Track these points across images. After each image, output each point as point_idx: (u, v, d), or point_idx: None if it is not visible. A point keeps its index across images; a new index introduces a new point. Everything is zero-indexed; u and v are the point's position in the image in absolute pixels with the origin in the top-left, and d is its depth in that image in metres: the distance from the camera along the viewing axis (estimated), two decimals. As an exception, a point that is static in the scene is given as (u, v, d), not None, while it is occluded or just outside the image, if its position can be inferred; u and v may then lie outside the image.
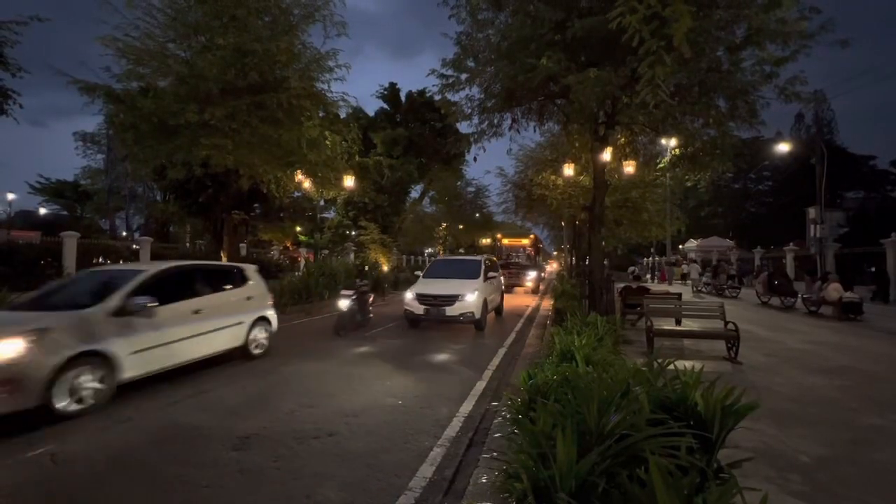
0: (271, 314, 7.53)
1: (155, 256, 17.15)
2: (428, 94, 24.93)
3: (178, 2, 8.85)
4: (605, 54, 6.63)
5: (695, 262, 28.57)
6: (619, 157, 10.01)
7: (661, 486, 1.72)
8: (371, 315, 10.02)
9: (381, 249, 23.94)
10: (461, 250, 34.09)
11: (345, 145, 11.19)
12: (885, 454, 3.71)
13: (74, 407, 4.42)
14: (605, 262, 10.64)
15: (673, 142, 9.88)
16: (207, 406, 4.87)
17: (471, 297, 9.42)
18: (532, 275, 22.66)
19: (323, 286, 14.15)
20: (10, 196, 36.68)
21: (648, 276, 34.72)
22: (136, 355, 5.08)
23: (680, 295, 9.91)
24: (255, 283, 7.41)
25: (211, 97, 8.50)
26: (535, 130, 9.92)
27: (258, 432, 4.09)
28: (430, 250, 38.63)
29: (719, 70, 6.96)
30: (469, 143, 9.14)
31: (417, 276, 11.80)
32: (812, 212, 27.02)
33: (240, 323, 6.73)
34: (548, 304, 14.40)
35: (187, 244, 26.97)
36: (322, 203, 25.69)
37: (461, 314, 9.32)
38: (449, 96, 8.58)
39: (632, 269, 36.10)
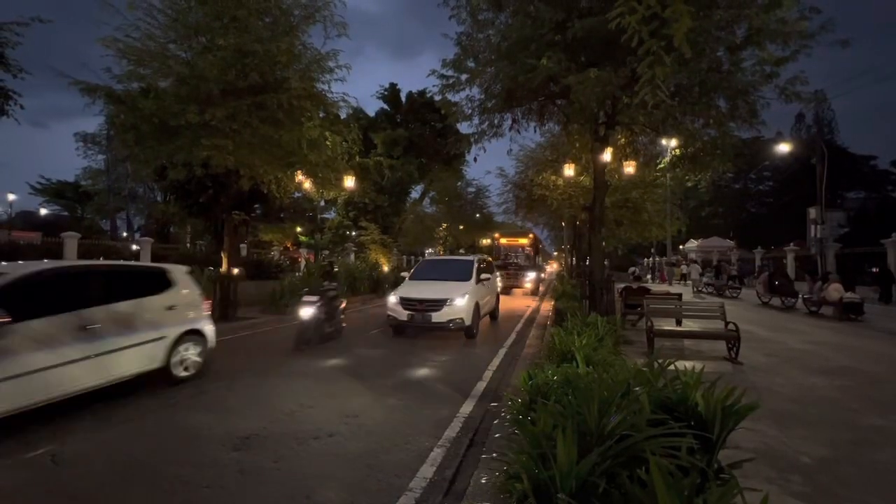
0: (206, 327, 6.20)
1: (155, 257, 17.15)
2: (428, 95, 24.96)
3: (179, 3, 8.86)
4: (606, 55, 6.63)
5: (695, 262, 28.60)
6: (620, 157, 10.01)
7: (661, 487, 1.72)
8: (343, 324, 8.94)
9: (382, 250, 23.95)
10: (461, 251, 34.05)
11: (345, 146, 11.18)
12: (886, 455, 3.70)
13: None
14: (606, 263, 10.61)
15: (673, 142, 9.88)
16: (208, 406, 4.87)
17: (460, 301, 8.66)
18: (531, 276, 21.91)
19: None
20: (11, 197, 36.79)
21: (649, 276, 34.71)
22: None
23: (680, 295, 9.91)
24: (183, 288, 6.02)
25: (211, 98, 8.51)
26: (535, 131, 9.91)
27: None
28: (430, 251, 38.59)
29: (719, 70, 6.95)
30: (469, 143, 9.12)
31: (403, 278, 10.96)
32: (812, 212, 27.01)
33: (158, 339, 5.41)
34: (547, 306, 14.10)
35: (188, 245, 27.00)
36: (322, 204, 25.67)
37: (449, 320, 8.52)
38: (449, 97, 8.58)
39: (632, 269, 36.14)
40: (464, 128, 9.74)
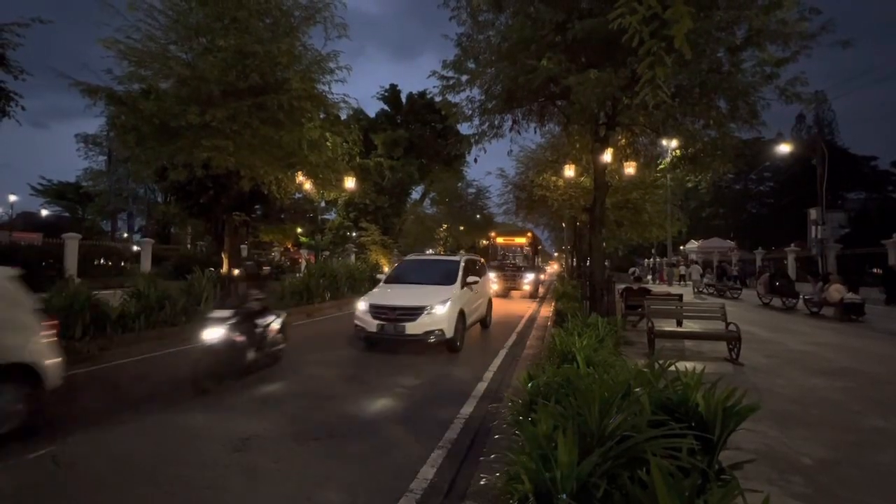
0: (44, 360, 4.24)
1: (156, 257, 17.20)
2: (428, 96, 25.04)
3: (180, 4, 8.87)
4: (606, 55, 6.63)
5: (696, 263, 28.61)
6: (620, 158, 10.01)
7: (662, 488, 1.72)
8: (280, 347, 6.67)
9: (382, 251, 23.98)
10: (462, 251, 34.07)
11: (346, 147, 11.19)
12: (887, 456, 3.70)
13: None
14: (606, 264, 10.62)
15: (673, 143, 9.88)
16: (209, 407, 4.87)
17: (440, 309, 7.47)
18: (530, 277, 20.35)
19: (324, 287, 14.19)
20: (12, 197, 36.88)
21: (650, 277, 34.72)
22: None
23: (681, 296, 9.91)
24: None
25: (212, 99, 8.52)
26: (535, 132, 9.90)
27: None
28: (430, 251, 38.67)
29: (720, 71, 6.95)
30: (470, 144, 9.10)
31: (378, 281, 9.61)
32: (813, 213, 27.03)
33: None
34: (547, 310, 13.43)
35: (188, 245, 27.04)
36: (323, 204, 25.73)
37: (427, 332, 7.32)
38: (449, 98, 8.58)
39: (632, 270, 36.16)
40: (464, 129, 9.66)
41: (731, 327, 7.18)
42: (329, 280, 14.68)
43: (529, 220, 23.03)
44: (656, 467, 1.78)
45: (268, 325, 6.46)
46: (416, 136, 26.21)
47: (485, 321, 10.34)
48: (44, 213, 40.50)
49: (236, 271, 11.13)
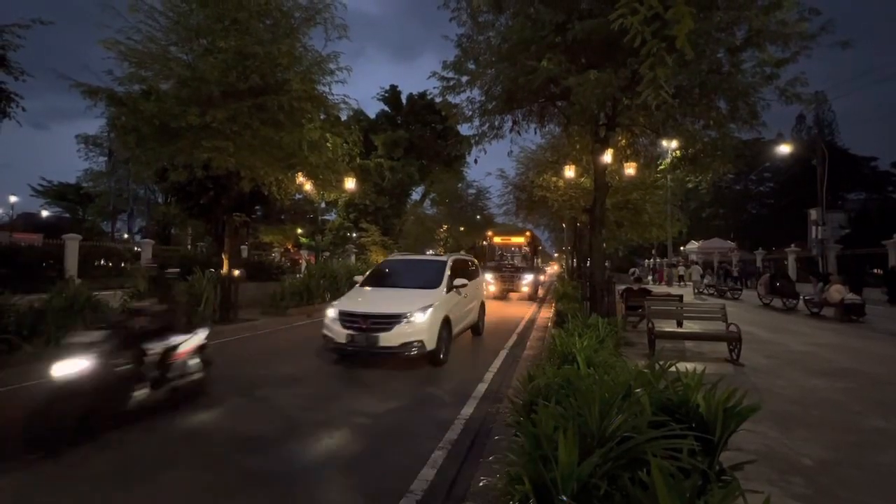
0: None
1: (156, 258, 17.18)
2: (429, 97, 25.07)
3: (180, 6, 8.89)
4: (606, 56, 6.64)
5: (696, 263, 28.62)
6: (620, 158, 10.01)
7: (662, 489, 1.72)
8: (195, 377, 5.00)
9: (383, 251, 24.00)
10: (462, 252, 34.08)
11: (346, 147, 11.20)
12: (888, 457, 3.69)
13: None
14: (607, 264, 10.61)
15: (674, 143, 9.89)
16: (209, 407, 4.86)
17: (420, 317, 6.56)
18: (528, 278, 19.49)
19: (324, 288, 14.21)
20: (13, 198, 36.87)
21: (650, 278, 34.71)
22: None
23: (681, 297, 9.90)
24: None
25: (212, 100, 8.53)
26: (535, 132, 9.88)
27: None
28: (430, 251, 38.70)
29: (720, 71, 6.96)
30: (470, 145, 9.11)
31: (356, 283, 8.37)
32: (813, 213, 27.03)
33: None
34: (546, 314, 12.98)
35: (189, 246, 27.06)
36: (323, 205, 25.75)
37: (404, 344, 6.38)
38: (450, 98, 8.59)
39: (633, 270, 36.19)
40: (464, 129, 9.62)
41: (732, 328, 7.18)
42: (329, 281, 14.72)
43: (530, 221, 22.86)
44: (657, 468, 1.78)
45: (171, 348, 4.70)
46: (417, 137, 26.25)
47: (477, 328, 9.50)
48: (44, 213, 40.55)
49: (236, 272, 11.17)
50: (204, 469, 3.51)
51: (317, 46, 9.98)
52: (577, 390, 2.83)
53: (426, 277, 7.74)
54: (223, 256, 11.06)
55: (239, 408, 4.95)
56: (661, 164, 11.10)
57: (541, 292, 21.72)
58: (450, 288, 7.65)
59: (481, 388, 5.77)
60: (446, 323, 7.13)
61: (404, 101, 28.55)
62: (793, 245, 26.81)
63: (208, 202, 13.86)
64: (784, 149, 19.78)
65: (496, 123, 8.81)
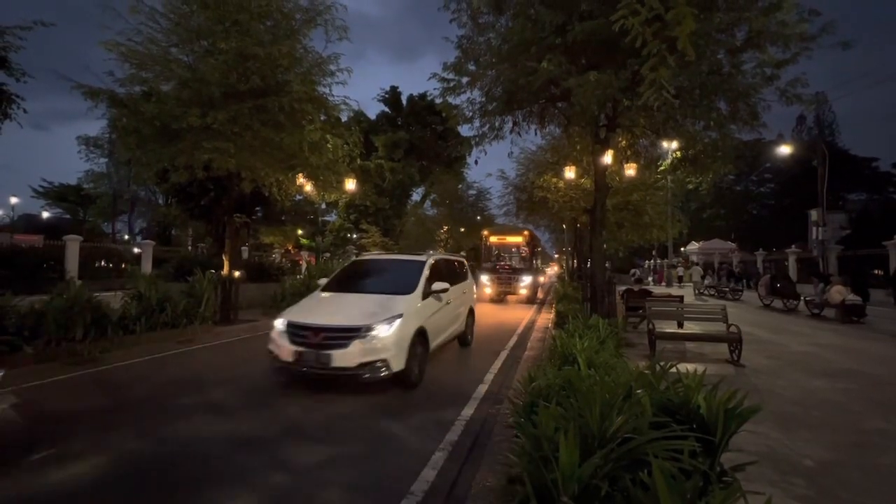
0: None
1: (157, 259, 17.21)
2: (429, 98, 25.11)
3: (181, 7, 8.91)
4: (606, 57, 6.65)
5: (696, 264, 28.62)
6: (621, 159, 10.02)
7: (664, 490, 1.72)
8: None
9: (383, 252, 24.00)
10: (462, 253, 34.09)
11: (346, 148, 11.22)
12: (889, 458, 3.69)
13: None
14: (607, 265, 10.60)
15: (674, 144, 9.88)
16: (209, 407, 4.87)
17: (384, 330, 5.34)
18: (527, 280, 18.46)
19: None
20: (14, 199, 36.98)
21: (650, 278, 34.70)
22: None
23: (682, 298, 9.90)
24: None
25: (213, 101, 8.55)
26: (536, 133, 9.87)
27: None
28: (430, 252, 38.75)
29: (720, 72, 6.96)
30: (470, 146, 9.11)
31: (319, 286, 7.04)
32: (814, 214, 26.99)
33: None
34: (546, 317, 12.35)
35: (189, 247, 27.08)
36: (323, 206, 25.78)
37: (362, 364, 5.16)
38: (450, 100, 8.58)
39: (633, 271, 36.19)
40: (464, 130, 9.67)
41: (733, 329, 7.17)
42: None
43: (530, 222, 22.76)
44: (658, 469, 1.78)
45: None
46: (417, 138, 26.29)
47: (464, 338, 8.26)
48: (45, 215, 40.63)
49: (237, 273, 11.17)
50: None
51: (317, 48, 10.02)
52: (577, 391, 2.84)
53: (399, 281, 6.50)
54: (224, 257, 11.07)
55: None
56: (661, 165, 11.10)
57: (540, 294, 21.13)
58: (427, 294, 6.45)
59: (482, 389, 5.75)
60: (420, 336, 5.89)
61: (405, 102, 28.61)
62: (793, 246, 26.80)
63: (209, 203, 13.90)
64: (785, 149, 19.82)
65: (496, 124, 8.81)
